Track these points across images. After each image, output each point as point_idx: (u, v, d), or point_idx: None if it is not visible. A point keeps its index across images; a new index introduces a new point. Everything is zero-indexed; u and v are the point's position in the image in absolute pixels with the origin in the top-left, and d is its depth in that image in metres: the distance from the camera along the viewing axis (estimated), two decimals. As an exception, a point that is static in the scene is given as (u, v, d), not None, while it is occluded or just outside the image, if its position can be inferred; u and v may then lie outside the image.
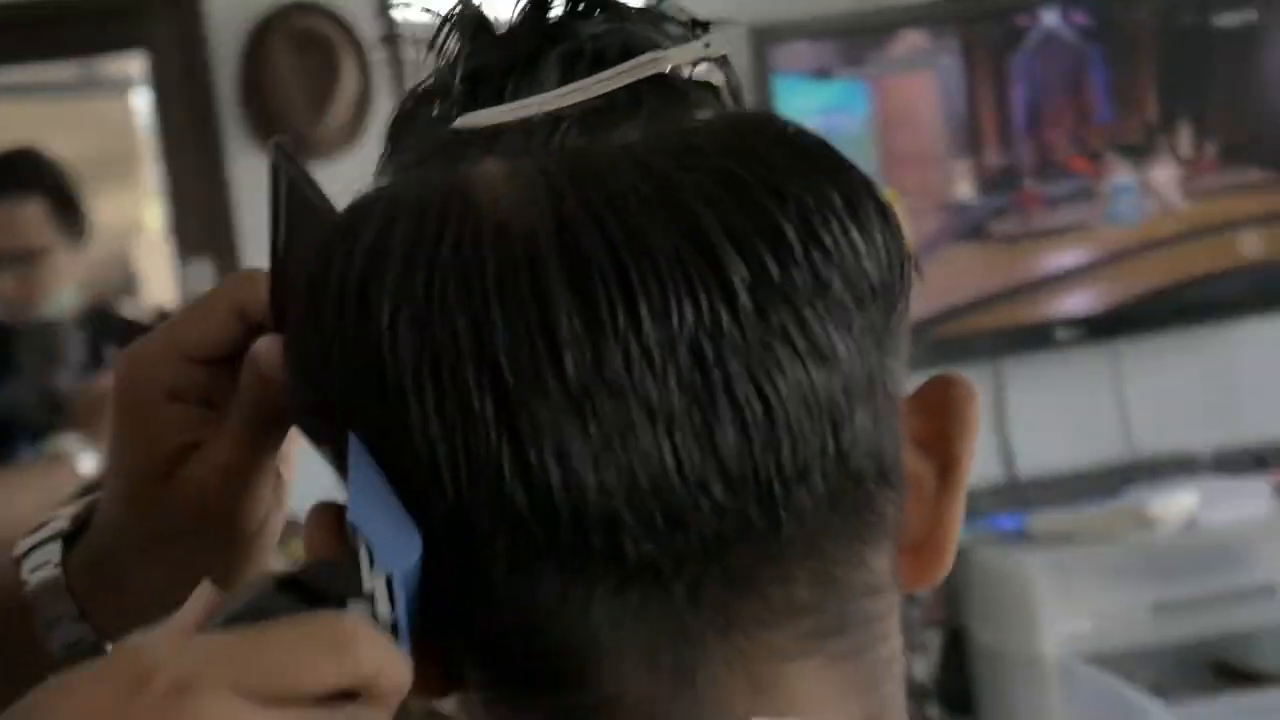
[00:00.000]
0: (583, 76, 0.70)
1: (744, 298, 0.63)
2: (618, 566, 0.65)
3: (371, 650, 0.64)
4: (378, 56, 3.37)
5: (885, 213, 0.67)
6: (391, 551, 0.67)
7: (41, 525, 0.94)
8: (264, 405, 0.82)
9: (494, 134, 0.70)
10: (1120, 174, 3.08)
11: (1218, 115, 3.10)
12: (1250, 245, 3.09)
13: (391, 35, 3.47)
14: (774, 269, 0.64)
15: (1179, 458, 3.11)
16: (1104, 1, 3.07)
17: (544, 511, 0.65)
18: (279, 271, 0.85)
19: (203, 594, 0.69)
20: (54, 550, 0.91)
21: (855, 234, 0.65)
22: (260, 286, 0.84)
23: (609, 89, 0.70)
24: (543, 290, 0.64)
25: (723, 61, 0.73)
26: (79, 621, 0.90)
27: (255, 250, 3.30)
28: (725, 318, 0.63)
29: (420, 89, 0.74)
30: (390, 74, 3.35)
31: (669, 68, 0.71)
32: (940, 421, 0.70)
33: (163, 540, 0.88)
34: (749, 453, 0.64)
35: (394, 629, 0.67)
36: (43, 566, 0.91)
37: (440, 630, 0.69)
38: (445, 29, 0.74)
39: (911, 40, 3.01)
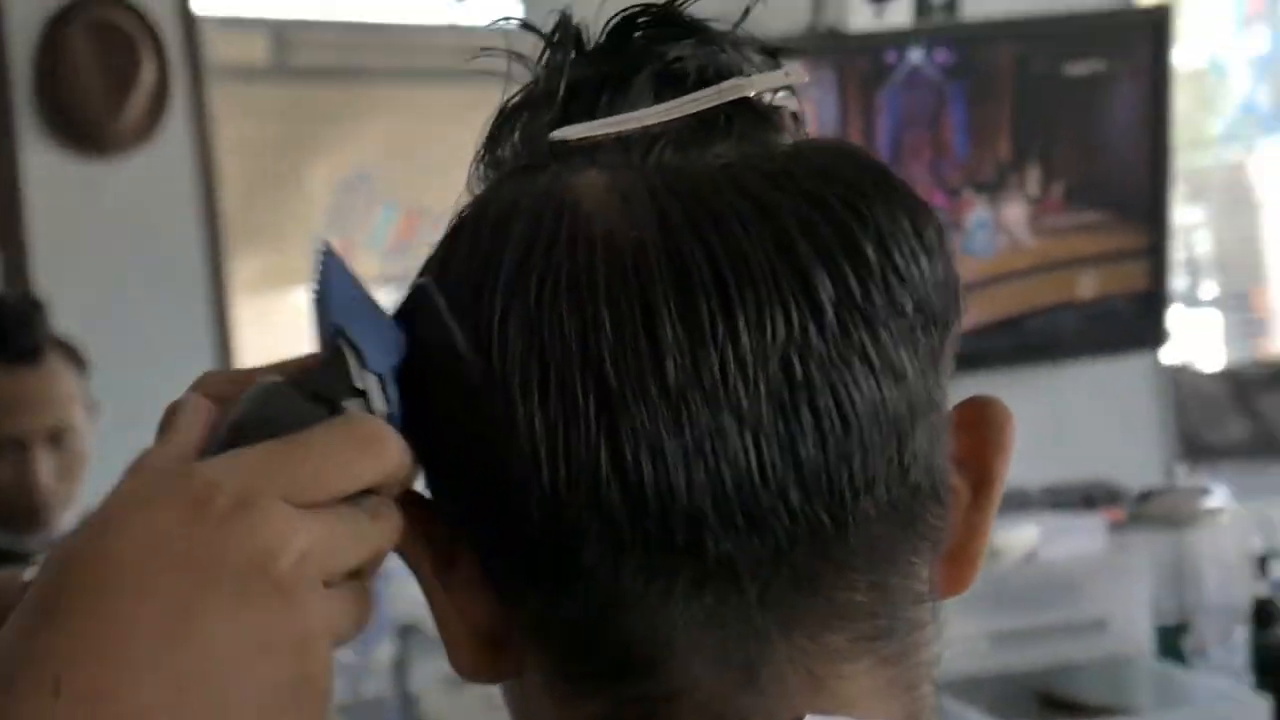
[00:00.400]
0: (672, 96, 0.73)
1: (830, 314, 0.67)
2: (697, 564, 0.68)
3: (396, 446, 0.68)
4: (176, 50, 3.32)
5: (943, 240, 0.71)
6: (379, 351, 0.70)
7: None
8: None
9: (593, 147, 0.72)
10: (977, 209, 3.16)
11: (1064, 158, 3.20)
12: (1086, 285, 3.19)
13: (190, 29, 3.43)
14: (856, 289, 0.67)
15: (1013, 493, 3.19)
16: (965, 43, 3.14)
17: (635, 506, 0.67)
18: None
19: (198, 407, 0.70)
20: None
21: (923, 259, 0.70)
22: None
23: (701, 109, 0.72)
24: (648, 298, 0.67)
25: (792, 89, 0.76)
26: None
27: (46, 244, 3.21)
28: (813, 332, 0.67)
29: (511, 102, 0.76)
30: (186, 68, 3.30)
31: (754, 92, 0.74)
32: (978, 440, 0.74)
33: None
34: (825, 461, 0.67)
35: (390, 422, 0.69)
36: None
37: (512, 614, 0.71)
38: (545, 44, 0.76)
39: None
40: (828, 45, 3.10)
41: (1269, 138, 4.96)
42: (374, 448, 0.68)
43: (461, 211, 0.74)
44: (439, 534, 0.72)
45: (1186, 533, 2.65)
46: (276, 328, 3.98)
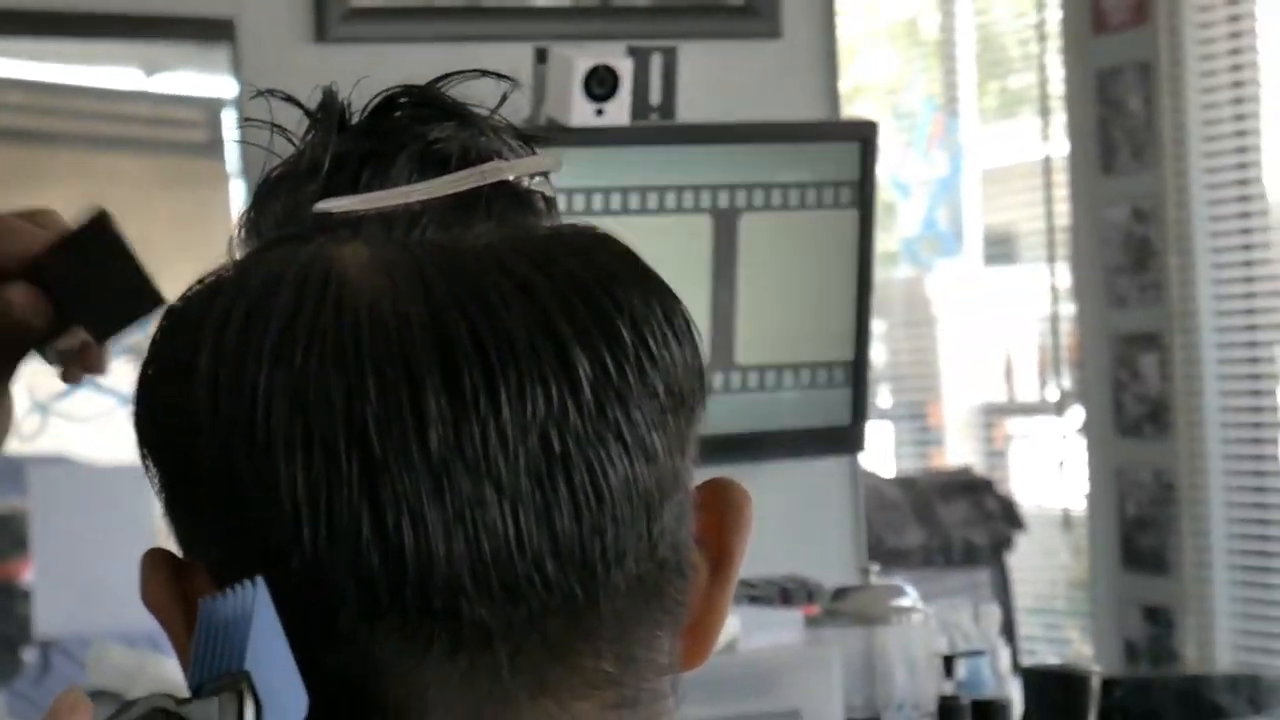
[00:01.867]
0: (432, 175, 0.77)
1: (587, 393, 0.71)
2: (453, 629, 0.71)
3: None
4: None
5: (690, 328, 0.76)
6: (279, 710, 0.70)
7: None
8: (8, 341, 0.94)
9: (357, 220, 0.76)
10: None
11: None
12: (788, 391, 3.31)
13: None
14: (613, 369, 0.72)
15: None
16: (677, 143, 3.23)
17: (394, 572, 0.70)
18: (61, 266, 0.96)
19: (79, 704, 0.71)
20: None
21: (674, 343, 0.75)
22: (19, 240, 0.94)
23: (462, 189, 0.76)
24: (413, 370, 0.70)
25: (546, 175, 0.80)
26: None
27: None
28: (571, 409, 0.70)
29: (275, 173, 0.80)
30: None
31: (513, 175, 0.78)
32: (718, 519, 0.77)
33: None
34: (579, 534, 0.70)
35: None
36: None
37: None
38: (309, 119, 0.79)
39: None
40: (554, 137, 3.16)
41: (946, 258, 5.22)
42: None
43: (220, 271, 0.76)
44: (195, 590, 0.73)
45: (878, 630, 2.75)
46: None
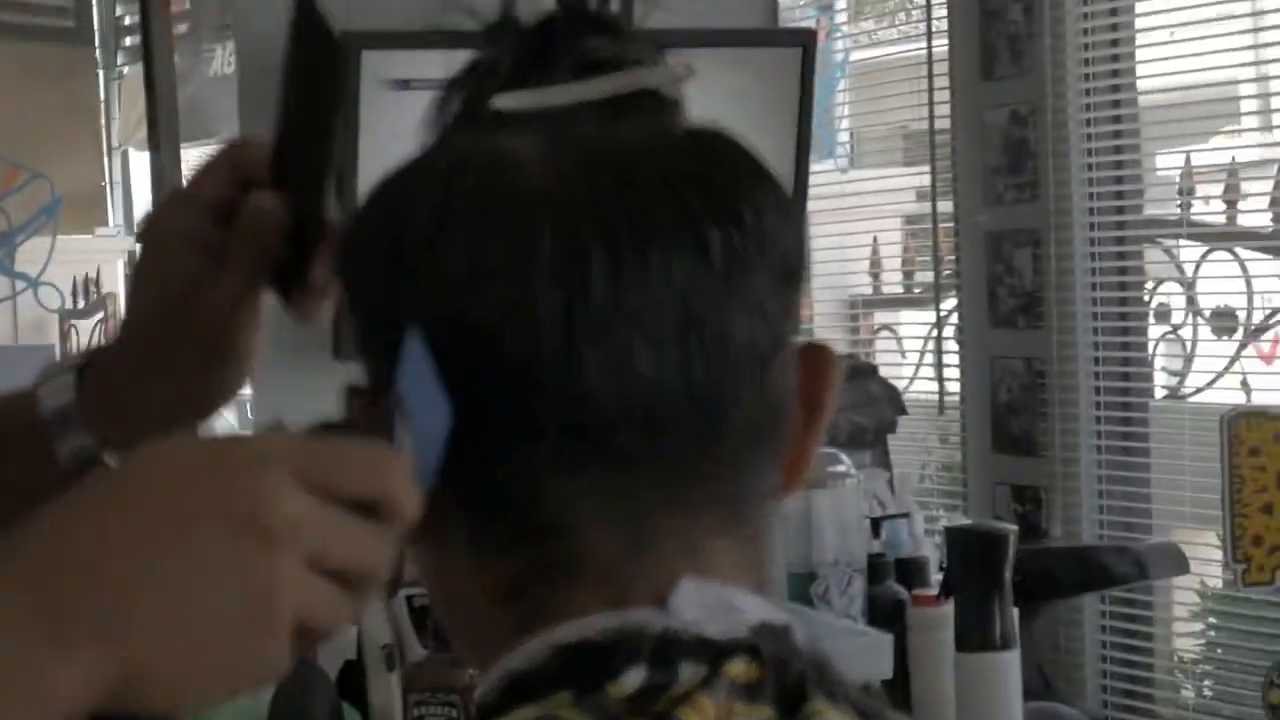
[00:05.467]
0: (589, 79, 0.90)
1: (718, 265, 0.86)
2: (604, 454, 0.85)
3: (401, 479, 0.81)
4: None
5: (799, 213, 0.95)
6: (425, 424, 0.84)
7: (54, 364, 1.08)
8: (259, 252, 1.01)
9: (526, 116, 0.90)
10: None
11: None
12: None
13: None
14: (738, 246, 0.87)
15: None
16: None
17: (559, 401, 0.84)
18: (292, 136, 1.03)
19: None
20: (68, 380, 1.06)
21: (785, 226, 0.90)
22: (256, 150, 1.05)
23: (615, 92, 0.91)
24: (580, 243, 0.84)
25: (679, 81, 0.94)
26: (86, 436, 1.06)
27: None
28: (705, 278, 0.85)
29: (458, 74, 0.93)
30: None
31: (656, 82, 0.92)
32: (813, 376, 0.92)
33: (169, 365, 1.06)
34: (709, 380, 0.86)
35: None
36: (58, 393, 1.06)
37: (442, 484, 0.85)
38: (487, 29, 0.93)
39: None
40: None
41: (819, 159, 5.32)
42: (385, 471, 0.79)
43: (416, 156, 0.90)
44: (379, 411, 0.85)
45: (814, 494, 2.93)
46: None
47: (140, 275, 1.06)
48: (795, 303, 0.91)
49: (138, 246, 1.11)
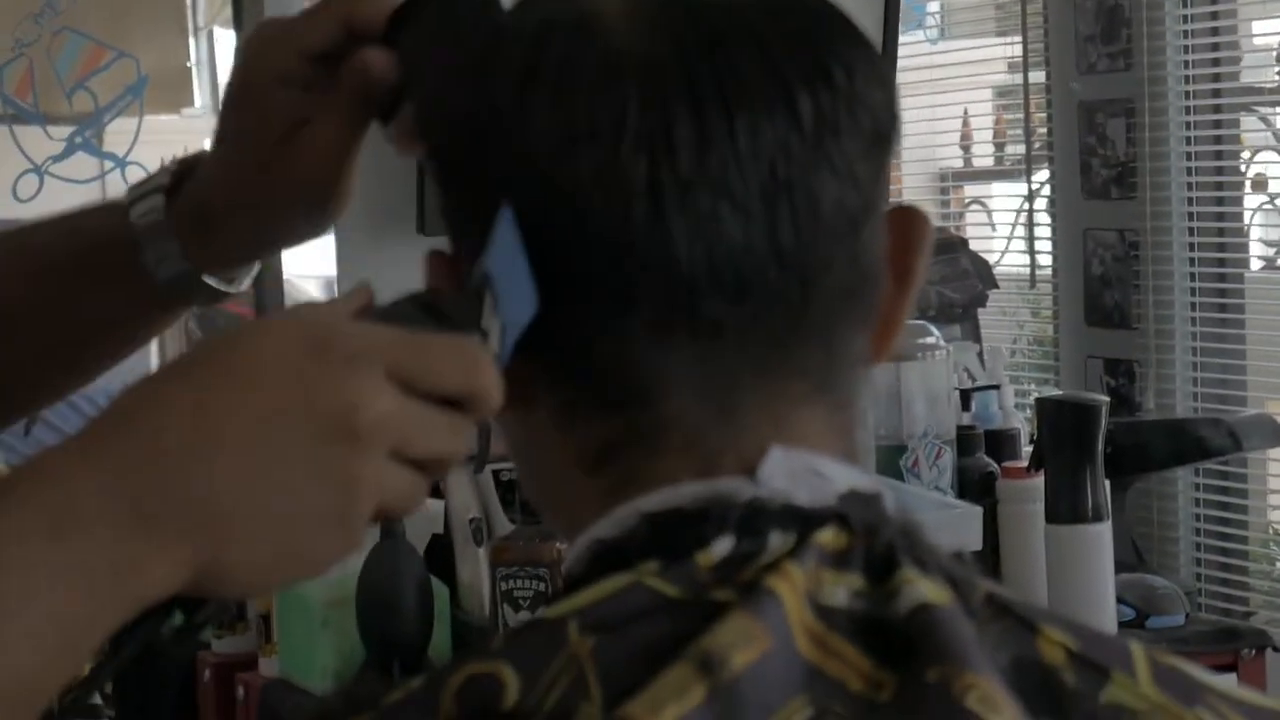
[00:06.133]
0: None
1: (808, 128, 0.83)
2: (692, 320, 0.83)
3: (490, 374, 0.81)
4: None
5: (891, 75, 0.89)
6: (512, 304, 0.83)
7: (142, 182, 1.09)
8: (364, 100, 1.00)
9: None
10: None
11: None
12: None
13: None
14: (828, 108, 0.84)
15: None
16: None
17: (646, 269, 0.82)
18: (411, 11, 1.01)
19: (361, 291, 0.85)
20: (158, 200, 1.07)
21: (876, 88, 0.87)
22: (370, 5, 1.03)
23: None
24: (667, 105, 0.82)
25: None
26: (182, 259, 1.07)
27: None
28: (794, 141, 0.83)
29: None
30: None
31: None
32: (904, 241, 0.89)
33: (261, 198, 1.06)
34: (797, 245, 0.84)
35: (497, 363, 0.82)
36: (149, 212, 1.06)
37: (529, 356, 0.85)
38: None
39: None
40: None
41: (906, 30, 5.28)
42: (475, 369, 0.80)
43: (502, 18, 0.88)
44: (464, 284, 0.84)
45: (904, 365, 2.91)
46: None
47: (235, 111, 1.06)
48: (886, 166, 0.89)
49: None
